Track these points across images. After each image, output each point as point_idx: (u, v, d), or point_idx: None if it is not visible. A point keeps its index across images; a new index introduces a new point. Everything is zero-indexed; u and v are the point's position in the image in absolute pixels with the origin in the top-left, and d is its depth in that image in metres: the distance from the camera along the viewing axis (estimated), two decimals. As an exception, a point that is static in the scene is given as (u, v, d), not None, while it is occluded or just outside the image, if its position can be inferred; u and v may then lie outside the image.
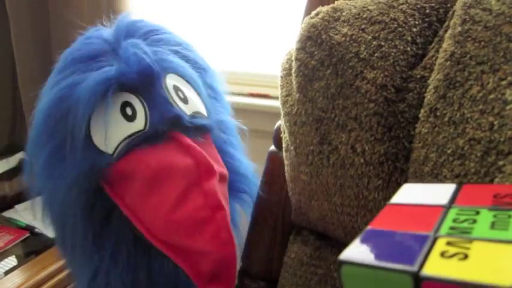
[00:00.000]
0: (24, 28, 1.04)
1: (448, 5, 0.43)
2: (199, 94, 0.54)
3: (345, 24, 0.46)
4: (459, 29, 0.38)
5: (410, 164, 0.39)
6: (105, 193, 0.49)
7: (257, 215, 0.62)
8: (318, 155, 0.46)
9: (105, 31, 0.54)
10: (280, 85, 0.54)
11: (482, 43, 0.36)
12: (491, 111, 0.32)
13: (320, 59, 0.46)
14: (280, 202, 0.59)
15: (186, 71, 0.53)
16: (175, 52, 0.54)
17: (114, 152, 0.48)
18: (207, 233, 0.45)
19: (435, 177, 0.35)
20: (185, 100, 0.51)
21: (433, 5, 0.43)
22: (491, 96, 0.33)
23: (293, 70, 0.50)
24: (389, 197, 0.30)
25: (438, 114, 0.36)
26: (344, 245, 0.22)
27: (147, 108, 0.49)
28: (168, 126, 0.49)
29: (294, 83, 0.49)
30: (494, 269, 0.17)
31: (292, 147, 0.50)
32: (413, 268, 0.18)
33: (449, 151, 0.35)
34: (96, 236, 0.49)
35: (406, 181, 0.40)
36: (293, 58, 0.50)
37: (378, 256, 0.19)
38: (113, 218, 0.49)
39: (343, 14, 0.47)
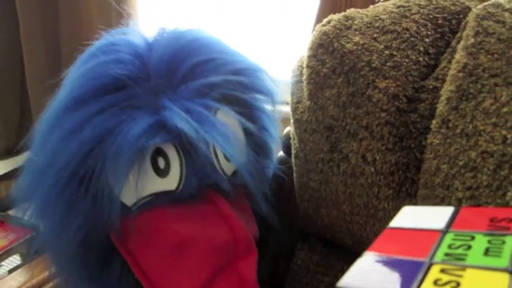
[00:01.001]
0: (34, 28, 1.04)
1: (461, 16, 0.43)
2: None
3: (357, 32, 0.46)
4: (472, 40, 0.38)
5: (422, 174, 0.39)
6: (109, 246, 0.42)
7: (264, 221, 0.62)
8: (328, 162, 0.46)
9: (137, 39, 0.44)
10: (291, 92, 0.54)
11: (496, 55, 0.36)
12: (504, 125, 0.32)
13: (332, 67, 0.46)
14: (288, 208, 0.59)
15: (227, 143, 0.42)
16: (228, 91, 0.44)
17: (133, 205, 0.41)
18: None
19: (446, 188, 0.35)
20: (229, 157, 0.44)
21: (445, 15, 0.43)
22: (505, 109, 0.33)
23: (304, 77, 0.50)
24: (399, 207, 0.30)
25: (450, 125, 0.36)
26: (352, 253, 0.22)
27: (184, 166, 0.41)
28: (205, 189, 0.42)
29: (305, 90, 0.49)
30: None
31: (302, 154, 0.51)
32: None
33: (461, 163, 0.35)
34: (95, 276, 0.43)
35: (416, 192, 0.40)
36: (304, 65, 0.50)
37: (374, 282, 0.20)
38: (115, 264, 0.43)
39: (355, 22, 0.47)
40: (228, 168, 0.45)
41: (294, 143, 0.53)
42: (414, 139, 0.40)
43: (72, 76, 0.43)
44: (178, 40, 0.45)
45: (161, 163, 0.41)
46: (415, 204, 0.40)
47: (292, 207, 0.58)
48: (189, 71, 0.43)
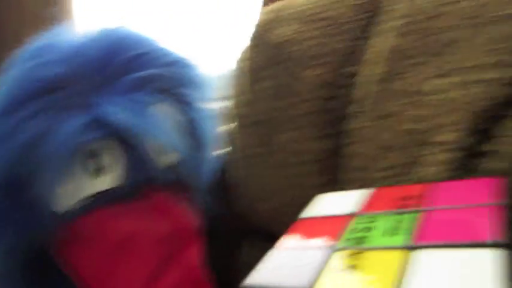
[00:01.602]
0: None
1: (380, 1, 0.44)
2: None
3: (285, 24, 0.46)
4: (389, 24, 0.39)
5: (345, 159, 0.39)
6: (45, 257, 0.40)
7: (208, 222, 0.61)
8: (260, 156, 0.46)
9: (65, 42, 0.43)
10: (225, 87, 0.54)
11: (407, 38, 0.37)
12: (414, 104, 0.33)
13: (260, 60, 0.46)
14: (228, 207, 0.59)
15: (164, 135, 0.42)
16: (164, 84, 0.43)
17: (69, 211, 0.39)
18: None
19: (364, 170, 0.36)
20: (166, 150, 0.43)
21: (364, 2, 0.44)
22: (414, 89, 0.34)
23: (237, 72, 0.50)
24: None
25: (366, 109, 0.37)
26: None
27: (120, 163, 0.40)
28: (143, 184, 0.41)
29: (238, 85, 0.49)
30: (377, 278, 0.17)
31: (237, 150, 0.50)
32: (306, 287, 0.19)
33: (378, 144, 0.35)
34: None
35: (342, 177, 0.40)
36: (242, 58, 0.50)
37: (277, 277, 0.20)
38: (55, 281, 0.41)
39: (284, 14, 0.47)
40: (164, 161, 0.44)
41: (231, 139, 0.53)
42: (336, 126, 0.41)
43: (5, 81, 0.41)
44: (107, 39, 0.44)
45: (95, 163, 0.39)
46: (343, 190, 0.40)
47: (234, 203, 0.58)
48: (119, 68, 0.41)
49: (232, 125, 0.50)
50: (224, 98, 0.54)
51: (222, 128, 0.59)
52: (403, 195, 0.25)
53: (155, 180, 0.42)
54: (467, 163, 0.28)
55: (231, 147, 0.52)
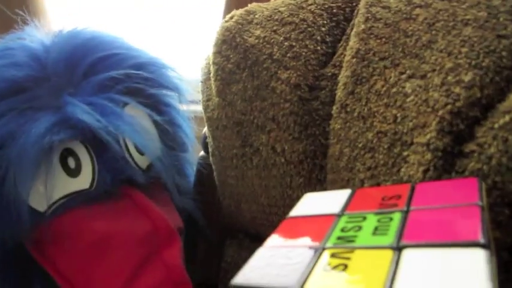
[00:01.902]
0: None
1: (354, 4, 0.44)
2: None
3: (258, 26, 0.46)
4: (362, 26, 0.39)
5: (328, 160, 0.40)
6: (25, 256, 0.40)
7: (191, 222, 0.61)
8: (242, 157, 0.46)
9: (34, 42, 0.43)
10: (201, 90, 0.53)
11: (384, 39, 0.37)
12: (394, 104, 0.34)
13: (236, 62, 0.46)
14: (213, 207, 0.59)
15: (137, 135, 0.42)
16: (135, 83, 0.43)
17: (46, 211, 0.39)
18: None
19: (350, 171, 0.36)
20: (142, 151, 0.44)
21: (339, 4, 0.45)
22: (394, 90, 0.34)
23: (211, 74, 0.49)
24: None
25: (348, 109, 0.37)
26: None
27: (95, 163, 0.40)
28: (119, 184, 0.41)
29: (213, 87, 0.49)
30: (367, 277, 0.18)
31: (216, 152, 0.50)
32: (296, 286, 0.18)
33: (360, 145, 0.36)
34: None
35: (325, 177, 0.41)
36: (210, 62, 0.50)
37: (266, 276, 0.20)
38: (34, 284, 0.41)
39: (256, 16, 0.47)
40: (142, 162, 0.44)
41: (209, 142, 0.53)
42: (318, 126, 0.41)
43: None
44: (76, 39, 0.44)
45: (71, 163, 0.39)
46: (326, 190, 0.41)
47: (218, 204, 0.58)
48: (89, 68, 0.42)
49: (211, 127, 0.50)
50: (197, 101, 0.54)
51: (200, 130, 0.59)
52: (389, 195, 0.25)
53: (132, 181, 0.42)
54: (448, 164, 0.29)
55: (212, 149, 0.52)
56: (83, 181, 0.40)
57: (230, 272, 0.56)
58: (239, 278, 0.20)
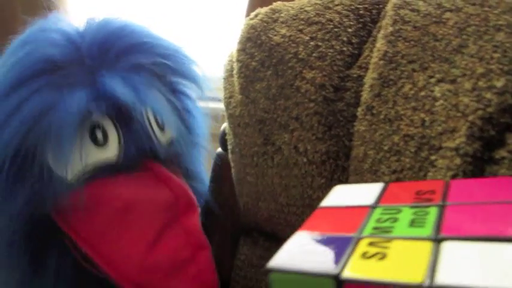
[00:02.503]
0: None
1: (381, 6, 0.44)
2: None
3: (283, 25, 0.46)
4: (390, 29, 0.39)
5: (351, 161, 0.40)
6: (47, 225, 0.41)
7: (206, 217, 0.62)
8: (263, 156, 0.47)
9: (69, 26, 0.45)
10: (223, 87, 0.53)
11: (412, 42, 0.37)
12: (422, 108, 0.34)
13: (260, 60, 0.46)
14: (228, 204, 0.59)
15: (163, 109, 0.45)
16: (160, 70, 0.46)
17: (74, 180, 0.41)
18: (187, 275, 0.41)
19: (374, 173, 0.36)
20: (162, 126, 0.46)
21: (366, 6, 0.44)
22: (422, 93, 0.34)
23: (234, 71, 0.50)
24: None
25: (374, 112, 0.37)
26: None
27: (122, 137, 0.43)
28: (143, 158, 0.44)
29: (236, 84, 0.49)
30: (407, 266, 0.18)
31: (237, 149, 0.50)
32: (335, 271, 0.18)
33: (386, 148, 0.36)
34: (30, 273, 0.42)
35: (347, 179, 0.41)
36: (234, 60, 0.50)
37: (303, 261, 0.20)
38: (51, 255, 0.43)
39: (282, 15, 0.47)
40: (163, 139, 0.47)
41: (229, 139, 0.53)
42: (342, 127, 0.41)
43: (5, 63, 0.43)
44: (108, 26, 0.46)
45: (99, 136, 0.42)
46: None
47: (234, 201, 0.58)
48: (121, 53, 0.44)
49: (232, 124, 0.50)
50: (218, 98, 0.55)
51: (217, 127, 0.59)
52: (423, 190, 0.25)
53: (154, 155, 0.45)
54: (478, 169, 0.29)
55: (232, 146, 0.52)
56: (110, 153, 0.42)
57: (243, 269, 0.56)
58: (275, 261, 0.20)
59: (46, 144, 0.39)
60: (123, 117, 0.42)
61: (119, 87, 0.41)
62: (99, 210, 0.41)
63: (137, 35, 0.46)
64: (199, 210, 0.44)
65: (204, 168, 0.58)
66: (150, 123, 0.45)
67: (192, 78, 0.51)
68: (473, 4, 0.35)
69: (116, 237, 0.41)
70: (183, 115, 0.51)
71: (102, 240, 0.41)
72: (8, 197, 0.40)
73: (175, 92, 0.50)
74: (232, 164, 0.54)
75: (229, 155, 0.54)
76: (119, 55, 0.44)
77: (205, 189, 0.56)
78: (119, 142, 0.43)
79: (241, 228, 0.59)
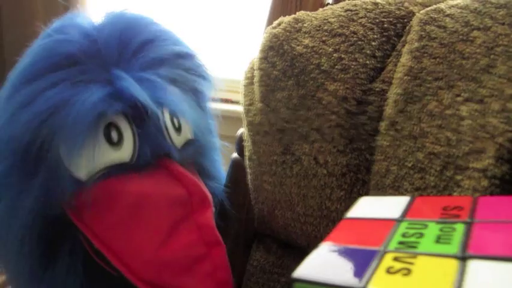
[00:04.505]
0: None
1: (406, 20, 0.44)
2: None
3: (307, 35, 0.46)
4: (416, 44, 0.39)
5: (372, 176, 0.40)
6: (61, 220, 0.42)
7: (220, 221, 0.62)
8: (281, 165, 0.47)
9: (85, 22, 0.45)
10: (243, 94, 0.53)
11: (438, 59, 0.37)
12: (448, 127, 0.34)
13: (282, 69, 0.46)
14: (243, 209, 0.59)
15: (181, 110, 0.45)
16: (177, 69, 0.46)
17: (88, 180, 0.40)
18: (201, 272, 0.40)
19: (396, 189, 0.36)
20: (179, 128, 0.46)
21: (391, 19, 0.44)
22: (448, 111, 0.34)
23: (255, 79, 0.50)
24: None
25: (398, 127, 0.37)
26: (307, 254, 0.22)
27: (137, 137, 0.42)
28: (157, 158, 0.43)
29: (257, 92, 0.49)
30: (433, 284, 0.18)
31: (255, 157, 0.50)
32: (359, 285, 0.19)
33: (409, 164, 0.36)
34: (41, 268, 0.43)
35: (367, 193, 0.41)
36: (255, 67, 0.50)
37: (328, 273, 0.20)
38: (63, 250, 0.43)
39: (305, 25, 0.47)
40: (178, 141, 0.46)
41: (247, 145, 0.53)
42: (364, 141, 0.41)
43: (23, 61, 0.43)
44: (125, 20, 0.46)
45: (114, 135, 0.42)
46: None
47: (248, 207, 0.58)
48: (139, 47, 0.44)
49: (251, 132, 0.51)
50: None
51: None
52: (451, 205, 0.25)
53: (169, 156, 0.44)
54: (505, 192, 0.29)
55: (250, 153, 0.52)
56: (124, 154, 0.42)
57: (255, 275, 0.57)
58: (300, 272, 0.21)
59: (59, 139, 0.38)
60: (139, 117, 0.42)
61: (135, 87, 0.40)
62: (111, 206, 0.41)
63: (153, 29, 0.46)
64: (213, 208, 0.44)
65: (222, 169, 0.58)
66: (165, 125, 0.45)
67: (206, 78, 0.51)
68: (503, 24, 0.35)
69: (127, 234, 0.41)
70: (200, 114, 0.50)
71: (115, 236, 0.41)
72: (21, 191, 0.40)
73: (193, 91, 0.50)
74: (248, 170, 0.54)
75: (246, 161, 0.54)
76: (137, 50, 0.44)
77: (222, 190, 0.55)
78: (134, 142, 0.42)
79: (255, 234, 0.59)
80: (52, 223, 0.42)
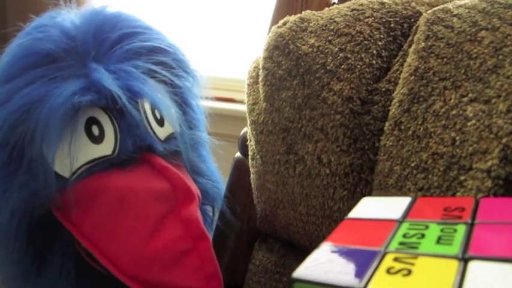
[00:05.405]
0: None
1: (412, 20, 0.44)
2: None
3: (312, 35, 0.46)
4: (423, 44, 0.39)
5: (375, 176, 0.40)
6: (50, 221, 0.42)
7: (222, 221, 0.62)
8: (284, 164, 0.46)
9: (65, 20, 0.45)
10: (247, 93, 0.53)
11: (445, 59, 0.37)
12: (453, 127, 0.33)
13: (287, 68, 0.46)
14: (245, 209, 0.59)
15: (161, 101, 0.45)
16: (156, 63, 0.46)
17: (71, 176, 0.40)
18: (188, 267, 0.40)
19: (399, 189, 0.36)
20: (161, 121, 0.46)
21: (397, 19, 0.44)
22: (453, 112, 0.34)
23: (260, 79, 0.50)
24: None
25: (402, 127, 0.37)
26: (309, 253, 0.22)
27: (118, 131, 0.42)
28: (140, 152, 0.43)
29: (261, 91, 0.49)
30: (433, 285, 0.18)
31: (258, 156, 0.50)
32: (359, 285, 0.18)
33: (413, 164, 0.35)
34: (33, 270, 0.43)
35: (370, 192, 0.41)
36: (260, 67, 0.50)
37: (328, 273, 0.20)
38: (55, 251, 0.43)
39: (311, 24, 0.47)
40: (160, 133, 0.46)
41: (250, 145, 0.53)
42: (368, 141, 0.41)
43: (6, 55, 0.44)
44: (103, 14, 0.47)
45: (95, 130, 0.42)
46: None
47: (251, 206, 0.58)
48: (115, 41, 0.44)
49: (255, 131, 0.50)
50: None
51: (242, 133, 0.59)
52: (452, 206, 0.25)
53: (152, 149, 0.44)
54: (509, 193, 0.29)
55: (253, 153, 0.52)
56: (106, 148, 0.42)
57: (257, 274, 0.56)
58: (300, 272, 0.21)
59: (37, 135, 0.38)
60: (119, 110, 0.42)
61: (108, 79, 0.40)
62: (96, 203, 0.41)
63: (132, 24, 0.46)
64: (199, 202, 0.43)
65: (215, 166, 0.58)
66: (147, 117, 0.44)
67: (188, 71, 0.50)
68: (511, 24, 0.34)
69: (112, 230, 0.40)
70: (184, 109, 0.50)
71: (100, 234, 0.41)
72: (5, 191, 0.40)
73: (172, 85, 0.49)
74: (251, 170, 0.54)
75: (249, 161, 0.54)
76: (114, 43, 0.44)
77: (214, 186, 0.55)
78: (115, 136, 0.42)
79: (257, 233, 0.59)
80: (41, 224, 0.42)
